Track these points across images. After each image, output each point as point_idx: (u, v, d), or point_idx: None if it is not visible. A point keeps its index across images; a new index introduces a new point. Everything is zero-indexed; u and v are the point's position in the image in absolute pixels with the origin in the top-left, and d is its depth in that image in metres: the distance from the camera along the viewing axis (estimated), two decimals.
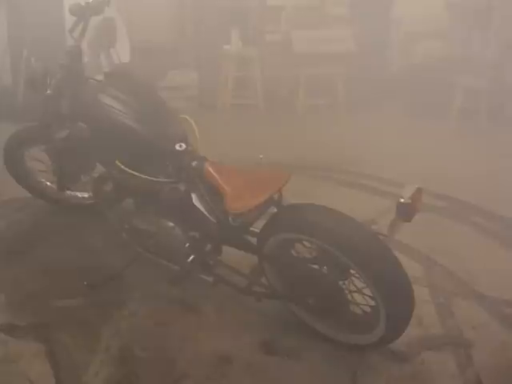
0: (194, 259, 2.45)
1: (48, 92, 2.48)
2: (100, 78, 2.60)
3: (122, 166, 2.40)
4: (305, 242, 2.27)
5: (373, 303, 2.14)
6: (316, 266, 2.28)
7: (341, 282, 2.23)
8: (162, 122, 2.39)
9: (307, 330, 2.41)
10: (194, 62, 5.18)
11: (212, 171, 2.28)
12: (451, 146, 4.78)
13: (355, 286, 2.22)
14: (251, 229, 2.40)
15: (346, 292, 2.25)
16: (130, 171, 2.39)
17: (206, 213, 2.34)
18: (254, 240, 2.37)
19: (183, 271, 2.51)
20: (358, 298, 2.26)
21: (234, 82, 5.02)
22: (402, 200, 1.90)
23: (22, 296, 2.64)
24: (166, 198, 2.41)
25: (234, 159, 3.31)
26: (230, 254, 2.56)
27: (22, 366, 2.20)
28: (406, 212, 1.92)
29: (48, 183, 3.32)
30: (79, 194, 3.29)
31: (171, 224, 2.47)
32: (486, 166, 4.33)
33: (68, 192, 3.22)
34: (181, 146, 2.34)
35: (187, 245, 2.46)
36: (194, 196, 2.36)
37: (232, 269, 2.52)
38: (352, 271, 2.15)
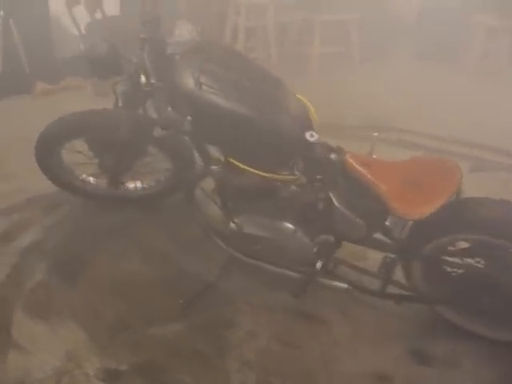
0: (323, 265, 2.08)
1: (152, 82, 1.89)
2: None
3: (238, 163, 1.94)
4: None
5: None
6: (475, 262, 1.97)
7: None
8: (284, 106, 1.91)
9: (458, 332, 2.12)
10: (193, 11, 4.53)
11: (356, 165, 1.87)
12: (484, 94, 4.50)
13: None
14: None
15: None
16: (248, 169, 1.94)
17: (349, 213, 1.94)
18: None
19: (307, 279, 2.12)
20: None
21: (244, 33, 4.44)
22: None
23: (104, 328, 2.16)
24: (294, 198, 1.99)
25: None
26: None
27: None
28: None
29: (92, 179, 2.76)
30: (132, 185, 2.75)
31: (291, 227, 2.05)
32: None
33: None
34: (312, 136, 1.89)
35: (315, 249, 2.07)
36: (331, 194, 1.94)
37: (361, 270, 2.17)
38: None
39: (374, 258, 2.20)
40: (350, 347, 2.10)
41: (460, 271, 1.97)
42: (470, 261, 1.96)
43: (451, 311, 2.09)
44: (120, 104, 2.42)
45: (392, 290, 2.12)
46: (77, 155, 2.64)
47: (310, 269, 2.10)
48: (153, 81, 1.89)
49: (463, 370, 2.01)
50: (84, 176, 2.75)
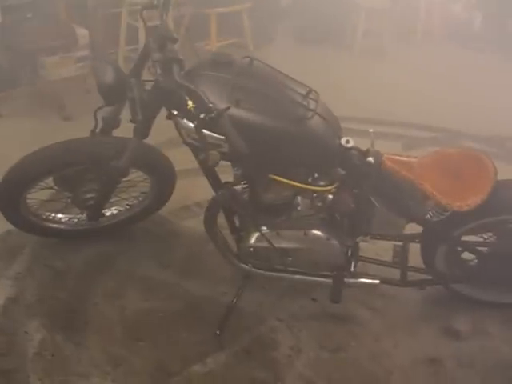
0: (356, 266, 2.12)
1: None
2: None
3: (280, 179, 1.88)
4: None
5: None
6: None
7: None
8: (319, 113, 1.85)
9: (475, 304, 2.30)
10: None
11: (395, 166, 1.92)
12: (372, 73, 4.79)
13: None
14: None
15: None
16: (290, 182, 1.88)
17: (390, 213, 1.98)
18: None
19: (341, 282, 2.14)
20: None
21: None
22: None
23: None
24: (331, 206, 1.98)
25: None
26: None
27: None
28: None
29: (61, 215, 2.45)
30: (109, 213, 2.51)
31: (325, 235, 2.05)
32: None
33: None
34: (348, 142, 1.89)
35: (349, 252, 2.10)
36: (372, 198, 1.97)
37: (379, 262, 2.26)
38: None
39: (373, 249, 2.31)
40: (389, 340, 2.17)
41: (482, 249, 2.13)
42: (490, 238, 2.13)
43: (467, 287, 2.25)
44: (98, 130, 2.22)
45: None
46: (42, 192, 2.33)
47: (341, 271, 2.11)
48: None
49: (493, 336, 2.20)
50: (52, 214, 2.43)
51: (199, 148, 1.77)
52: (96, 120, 2.15)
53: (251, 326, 2.19)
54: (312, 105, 1.83)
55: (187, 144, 1.84)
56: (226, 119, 1.54)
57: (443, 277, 2.21)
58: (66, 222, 2.45)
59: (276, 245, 2.06)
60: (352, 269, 2.12)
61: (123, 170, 2.05)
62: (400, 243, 2.24)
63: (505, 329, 2.23)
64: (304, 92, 1.88)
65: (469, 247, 2.13)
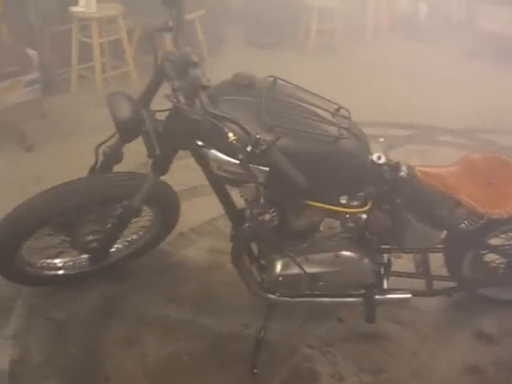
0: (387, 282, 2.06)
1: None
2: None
3: (316, 204, 1.77)
4: None
5: None
6: None
7: None
8: (350, 131, 1.76)
9: (501, 305, 2.30)
10: None
11: (428, 178, 1.86)
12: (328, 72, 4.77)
13: None
14: None
15: None
16: (326, 206, 1.78)
17: (424, 226, 1.92)
18: None
19: (372, 301, 2.07)
20: None
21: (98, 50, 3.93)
22: None
23: None
24: (365, 226, 1.89)
25: None
26: None
27: None
28: None
29: (58, 260, 2.23)
30: (113, 249, 2.29)
31: (357, 255, 1.97)
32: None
33: None
34: (379, 158, 1.81)
35: (382, 270, 2.03)
36: (406, 212, 1.90)
37: (405, 275, 2.21)
38: None
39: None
40: (426, 353, 2.12)
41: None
42: None
43: (493, 289, 2.24)
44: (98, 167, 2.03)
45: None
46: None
47: (371, 289, 2.04)
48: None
49: None
50: (47, 260, 2.21)
51: (235, 181, 1.64)
52: (97, 156, 1.96)
53: (284, 357, 2.07)
54: (344, 123, 1.73)
55: (216, 177, 1.70)
56: (277, 151, 1.41)
57: (470, 282, 2.18)
58: (62, 266, 2.23)
59: (307, 270, 1.95)
60: (385, 286, 2.04)
61: (137, 209, 1.88)
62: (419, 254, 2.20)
63: None
64: (333, 109, 1.77)
65: (497, 250, 2.11)
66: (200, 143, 1.66)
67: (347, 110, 1.79)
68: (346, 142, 1.70)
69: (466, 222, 1.93)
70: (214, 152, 1.62)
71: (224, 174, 1.66)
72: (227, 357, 2.07)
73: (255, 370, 1.97)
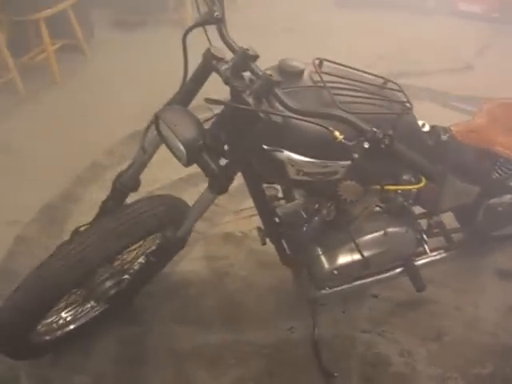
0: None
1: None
2: None
3: (392, 187, 1.66)
4: None
5: None
6: None
7: None
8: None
9: None
10: None
11: (465, 136, 1.84)
12: None
13: None
14: None
15: None
16: (402, 187, 1.69)
17: (467, 186, 1.91)
18: None
19: (415, 269, 2.05)
20: None
21: None
22: None
23: None
24: (416, 199, 1.84)
25: None
26: None
27: None
28: None
29: (65, 314, 1.85)
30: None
31: (403, 227, 1.91)
32: None
33: None
34: (424, 126, 1.75)
35: (424, 236, 2.01)
36: (450, 175, 1.87)
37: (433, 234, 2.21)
38: None
39: None
40: (469, 305, 2.17)
41: None
42: None
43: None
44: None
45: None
46: None
47: (411, 258, 2.02)
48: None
49: None
50: (54, 318, 1.82)
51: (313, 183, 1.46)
52: (115, 189, 1.63)
53: (347, 349, 1.98)
54: (402, 97, 1.61)
55: (290, 181, 1.50)
56: (397, 141, 1.27)
57: (485, 228, 2.24)
58: (72, 319, 1.86)
59: (366, 254, 1.84)
60: (427, 250, 2.02)
61: (185, 240, 1.60)
62: None
63: None
64: (382, 83, 1.64)
65: None
66: (267, 147, 1.44)
67: (396, 83, 1.66)
68: (408, 116, 1.59)
69: (499, 171, 1.95)
70: (294, 156, 1.42)
71: (304, 178, 1.46)
72: (292, 369, 1.92)
73: (336, 374, 1.85)
